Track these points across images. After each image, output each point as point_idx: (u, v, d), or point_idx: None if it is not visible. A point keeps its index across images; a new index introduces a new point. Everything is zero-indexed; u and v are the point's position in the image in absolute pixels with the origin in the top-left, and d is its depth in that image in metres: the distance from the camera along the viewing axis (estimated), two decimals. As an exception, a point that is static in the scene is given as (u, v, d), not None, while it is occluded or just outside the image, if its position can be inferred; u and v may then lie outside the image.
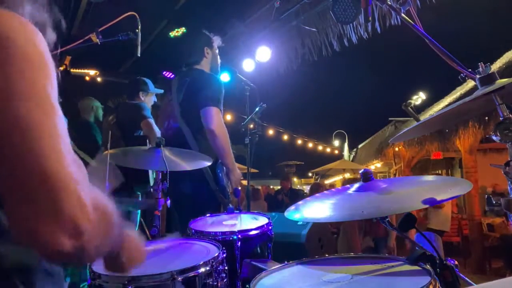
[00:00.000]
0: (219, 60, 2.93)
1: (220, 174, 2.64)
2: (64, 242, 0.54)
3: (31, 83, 0.58)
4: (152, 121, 3.22)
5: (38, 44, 0.63)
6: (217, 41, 2.93)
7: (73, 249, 0.55)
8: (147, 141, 2.55)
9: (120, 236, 0.73)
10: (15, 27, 0.61)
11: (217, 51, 2.92)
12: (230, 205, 2.11)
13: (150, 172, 3.04)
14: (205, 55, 2.83)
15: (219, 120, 2.56)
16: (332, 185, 12.83)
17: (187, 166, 2.04)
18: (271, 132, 15.68)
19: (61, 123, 0.60)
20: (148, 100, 3.50)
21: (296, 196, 7.89)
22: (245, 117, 3.08)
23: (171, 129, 2.75)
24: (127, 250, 0.78)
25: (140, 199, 3.06)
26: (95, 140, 3.83)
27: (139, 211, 2.97)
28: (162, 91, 3.58)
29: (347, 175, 12.39)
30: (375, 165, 12.40)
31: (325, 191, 1.48)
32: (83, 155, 2.90)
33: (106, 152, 1.87)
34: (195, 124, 2.61)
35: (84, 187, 0.58)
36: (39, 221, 0.53)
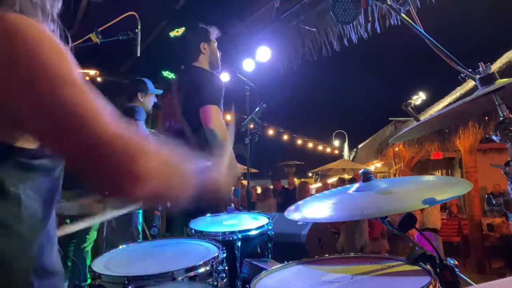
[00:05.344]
0: (218, 54, 2.85)
1: None
2: (137, 190, 0.68)
3: (68, 68, 0.67)
4: (140, 123, 3.20)
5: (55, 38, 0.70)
6: (214, 32, 2.84)
7: (146, 194, 0.69)
8: None
9: (199, 181, 0.87)
10: (34, 25, 0.68)
11: (215, 44, 2.85)
12: (231, 205, 2.11)
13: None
14: (202, 51, 2.77)
15: (218, 118, 2.53)
16: (332, 185, 12.80)
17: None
18: (271, 132, 15.68)
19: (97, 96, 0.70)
20: (148, 100, 3.48)
21: (290, 195, 7.90)
22: (245, 117, 3.08)
23: (173, 130, 2.74)
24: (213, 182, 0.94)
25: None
26: None
27: (140, 211, 2.97)
28: (161, 91, 3.58)
29: (347, 175, 12.38)
30: (375, 165, 12.40)
31: (325, 191, 1.48)
32: None
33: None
34: (196, 123, 2.60)
35: (143, 147, 0.71)
36: (119, 181, 0.68)
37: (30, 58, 0.64)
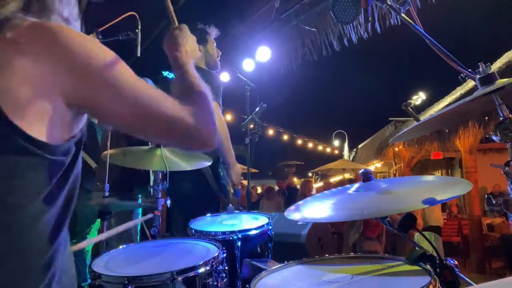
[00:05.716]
0: (216, 54, 2.82)
1: (221, 173, 2.61)
2: (212, 141, 0.94)
3: (121, 71, 0.80)
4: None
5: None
6: (213, 32, 2.83)
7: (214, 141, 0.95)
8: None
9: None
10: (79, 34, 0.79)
11: (214, 44, 2.83)
12: (230, 205, 2.11)
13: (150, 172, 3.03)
14: None
15: (217, 113, 2.53)
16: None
17: (187, 166, 2.04)
18: (271, 132, 15.68)
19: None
20: None
21: (293, 193, 7.96)
22: (245, 117, 3.07)
23: None
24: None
25: (139, 201, 3.05)
26: (97, 140, 3.83)
27: (140, 210, 2.97)
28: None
29: (347, 175, 12.38)
30: (375, 165, 12.40)
31: (325, 191, 1.48)
32: (84, 155, 2.90)
33: (106, 152, 1.87)
34: None
35: (203, 117, 0.94)
36: (198, 140, 0.92)
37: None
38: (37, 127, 0.69)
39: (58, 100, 0.71)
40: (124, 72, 0.79)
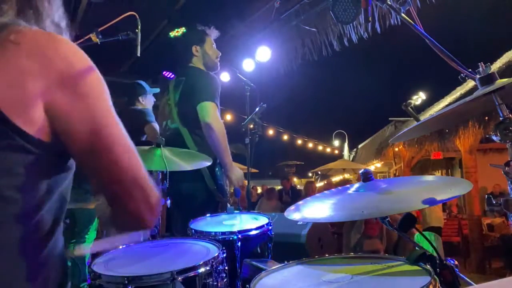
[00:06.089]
0: (215, 55, 2.81)
1: (219, 173, 2.61)
2: (152, 220, 0.85)
3: (108, 104, 0.80)
4: (156, 125, 3.21)
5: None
6: (213, 33, 2.82)
7: (154, 222, 0.86)
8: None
9: None
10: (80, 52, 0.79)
11: (213, 45, 2.82)
12: (229, 205, 2.11)
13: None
14: (194, 53, 2.76)
15: (215, 114, 2.52)
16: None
17: (187, 166, 2.04)
18: (271, 132, 15.67)
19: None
20: (148, 101, 3.50)
21: (297, 195, 7.95)
22: (245, 117, 3.07)
23: (169, 130, 2.74)
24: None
25: None
26: None
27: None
28: (158, 89, 3.57)
29: (347, 175, 12.39)
30: (375, 165, 12.41)
31: (325, 191, 1.48)
32: None
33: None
34: (192, 124, 2.59)
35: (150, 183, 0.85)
36: (141, 211, 0.82)
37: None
38: (34, 125, 0.70)
39: (40, 106, 0.72)
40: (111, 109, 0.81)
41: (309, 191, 7.01)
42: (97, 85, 0.78)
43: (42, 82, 0.71)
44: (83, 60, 0.78)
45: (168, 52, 4.88)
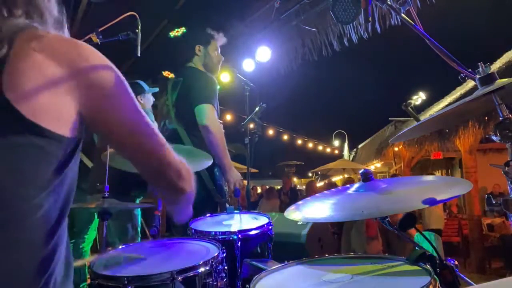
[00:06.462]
0: (217, 59, 2.82)
1: (217, 173, 2.61)
2: (185, 187, 1.01)
3: (133, 97, 0.87)
4: (154, 125, 3.21)
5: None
6: (220, 39, 2.83)
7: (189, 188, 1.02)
8: None
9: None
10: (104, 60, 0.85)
11: (217, 51, 2.83)
12: (229, 205, 2.11)
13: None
14: (196, 52, 2.76)
15: (213, 116, 2.52)
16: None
17: (188, 166, 2.04)
18: (271, 132, 15.67)
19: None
20: (147, 101, 3.50)
21: (295, 196, 7.94)
22: (245, 117, 3.07)
23: (167, 130, 2.74)
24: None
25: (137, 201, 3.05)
26: (93, 140, 3.84)
27: (139, 210, 2.97)
28: (157, 89, 3.58)
29: (347, 175, 12.38)
30: (375, 165, 12.40)
31: (325, 191, 1.48)
32: (80, 154, 2.90)
33: (106, 152, 1.87)
34: (190, 124, 2.59)
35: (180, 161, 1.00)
36: (178, 186, 0.99)
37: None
38: (48, 123, 0.72)
39: (72, 107, 0.76)
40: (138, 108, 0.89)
41: (310, 192, 7.01)
42: (121, 82, 0.84)
43: (73, 87, 0.75)
44: (103, 61, 0.83)
45: (169, 52, 4.88)
